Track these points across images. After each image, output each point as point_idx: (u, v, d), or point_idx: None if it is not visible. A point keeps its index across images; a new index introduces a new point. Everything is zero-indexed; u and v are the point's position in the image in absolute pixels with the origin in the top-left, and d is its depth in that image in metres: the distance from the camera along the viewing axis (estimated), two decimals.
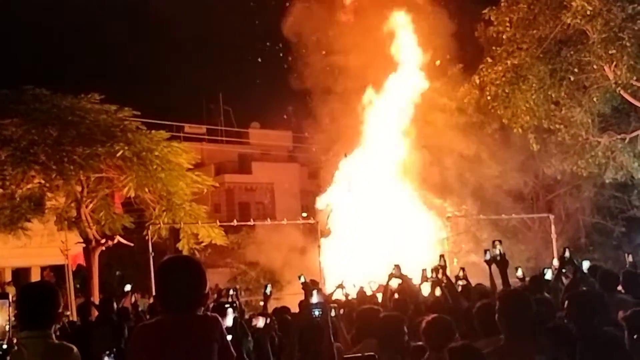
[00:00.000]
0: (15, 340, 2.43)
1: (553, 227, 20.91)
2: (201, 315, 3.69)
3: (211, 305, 10.87)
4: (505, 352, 4.85)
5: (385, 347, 5.26)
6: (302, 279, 6.87)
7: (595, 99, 19.29)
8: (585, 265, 9.28)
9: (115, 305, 9.66)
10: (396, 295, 8.62)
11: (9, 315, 2.40)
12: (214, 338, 3.62)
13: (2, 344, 2.36)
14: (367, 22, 21.67)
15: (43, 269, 24.40)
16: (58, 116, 17.11)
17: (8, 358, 2.40)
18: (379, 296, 9.69)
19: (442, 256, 9.19)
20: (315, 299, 4.56)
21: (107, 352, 3.85)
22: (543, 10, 18.35)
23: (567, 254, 8.46)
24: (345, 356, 2.12)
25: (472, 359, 4.15)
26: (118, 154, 17.03)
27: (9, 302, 2.40)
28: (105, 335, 7.04)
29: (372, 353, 2.14)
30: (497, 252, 6.42)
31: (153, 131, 18.52)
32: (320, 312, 4.55)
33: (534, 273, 11.70)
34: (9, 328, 2.38)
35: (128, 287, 10.71)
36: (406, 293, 8.54)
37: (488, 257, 6.85)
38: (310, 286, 7.73)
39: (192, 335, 3.61)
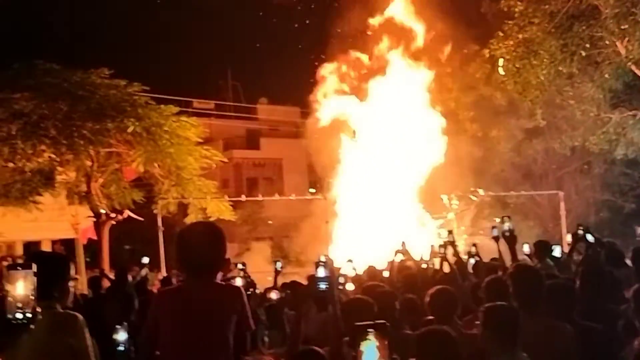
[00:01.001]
0: (40, 310, 2.51)
1: (562, 204, 20.88)
2: (224, 284, 3.73)
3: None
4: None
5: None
6: (323, 258, 6.89)
7: (607, 75, 19.14)
8: (589, 238, 9.26)
9: (130, 277, 9.75)
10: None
11: (33, 285, 2.47)
12: (234, 308, 3.66)
13: (26, 313, 2.43)
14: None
15: (54, 242, 24.56)
16: (68, 91, 17.12)
17: (32, 327, 2.49)
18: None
19: (450, 232, 9.20)
20: (321, 273, 4.59)
21: (120, 326, 3.88)
22: None
23: (580, 230, 8.44)
24: (356, 323, 2.14)
25: (442, 342, 4.18)
26: (128, 130, 17.05)
27: (34, 273, 2.47)
28: (116, 307, 7.11)
29: (383, 321, 2.16)
30: (506, 227, 6.40)
31: (162, 106, 18.51)
32: (327, 286, 4.60)
33: None
34: (34, 298, 2.46)
35: (146, 260, 10.80)
36: (410, 269, 8.57)
37: (495, 233, 6.84)
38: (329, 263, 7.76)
39: (213, 303, 3.64)
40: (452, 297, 5.44)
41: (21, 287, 2.47)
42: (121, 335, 3.85)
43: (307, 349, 4.17)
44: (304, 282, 8.49)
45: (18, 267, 2.50)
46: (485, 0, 21.11)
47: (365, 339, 2.13)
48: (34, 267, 2.49)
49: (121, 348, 3.84)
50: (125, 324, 3.94)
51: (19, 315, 2.45)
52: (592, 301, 5.25)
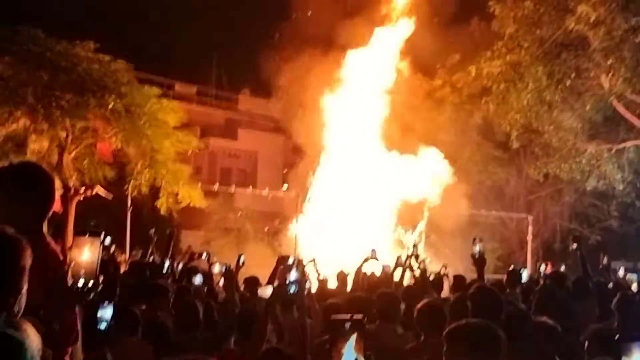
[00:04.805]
0: (101, 279, 2.44)
1: (530, 228, 21.06)
2: None
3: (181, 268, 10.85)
4: None
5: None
6: (291, 260, 6.87)
7: (588, 106, 19.39)
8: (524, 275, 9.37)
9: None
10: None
11: (99, 254, 2.39)
12: None
13: (89, 280, 2.35)
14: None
15: None
16: (50, 60, 16.87)
17: (92, 295, 2.41)
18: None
19: (415, 245, 9.24)
20: (292, 276, 4.57)
21: (107, 301, 3.63)
22: (548, 10, 18.32)
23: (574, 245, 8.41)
24: (332, 317, 2.17)
25: (436, 314, 4.21)
26: (109, 106, 16.88)
27: (101, 240, 2.39)
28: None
29: (360, 316, 2.18)
30: (477, 249, 6.44)
31: (145, 86, 18.37)
32: (297, 289, 4.58)
33: (503, 272, 11.83)
34: (97, 266, 2.38)
35: (108, 241, 10.62)
36: (382, 279, 8.62)
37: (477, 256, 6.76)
38: (286, 262, 7.75)
39: None
40: (441, 310, 5.43)
41: (87, 254, 2.38)
42: (107, 312, 3.43)
43: (271, 348, 4.15)
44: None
45: (86, 233, 2.42)
46: (474, 19, 21.23)
47: (345, 338, 2.15)
48: (102, 235, 2.41)
49: (103, 326, 3.47)
50: (112, 300, 3.69)
51: (81, 283, 2.37)
52: None
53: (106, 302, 3.46)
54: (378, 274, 9.47)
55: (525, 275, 9.45)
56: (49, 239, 2.92)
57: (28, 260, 2.23)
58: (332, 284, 9.95)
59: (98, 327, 3.51)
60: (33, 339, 2.12)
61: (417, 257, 8.78)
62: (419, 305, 5.45)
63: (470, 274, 8.54)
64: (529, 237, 21.01)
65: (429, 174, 21.82)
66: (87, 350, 3.91)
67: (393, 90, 22.06)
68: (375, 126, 21.49)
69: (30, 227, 2.72)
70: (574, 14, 17.25)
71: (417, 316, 5.38)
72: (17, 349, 2.03)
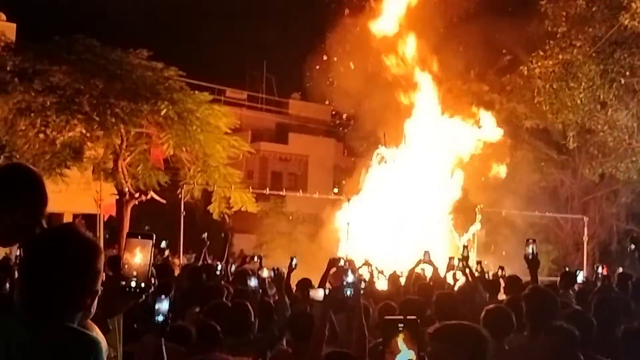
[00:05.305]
0: (154, 281, 2.52)
1: (586, 229, 20.63)
2: None
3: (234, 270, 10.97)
4: (527, 348, 4.88)
5: None
6: (342, 262, 6.88)
7: None
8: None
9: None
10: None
11: (151, 256, 2.48)
12: None
13: (141, 282, 2.44)
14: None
15: (75, 216, 24.81)
16: (106, 68, 17.31)
17: (144, 296, 2.51)
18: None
19: (465, 247, 9.17)
20: (349, 278, 4.59)
21: (164, 295, 3.63)
22: (601, 8, 18.03)
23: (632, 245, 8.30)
24: (386, 317, 2.21)
25: (504, 318, 4.17)
26: (162, 113, 17.21)
27: (153, 243, 2.48)
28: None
29: (414, 317, 2.20)
30: (530, 251, 6.37)
31: (197, 92, 18.66)
32: (353, 292, 4.60)
33: (558, 275, 11.65)
34: (149, 268, 2.48)
35: (163, 244, 10.83)
36: (434, 280, 8.59)
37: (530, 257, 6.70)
38: (337, 264, 7.81)
39: None
40: (509, 315, 5.31)
41: (139, 256, 2.47)
42: (163, 305, 3.60)
43: (337, 352, 4.17)
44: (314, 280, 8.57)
45: (138, 236, 2.50)
46: (534, 20, 20.85)
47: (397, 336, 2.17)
48: (154, 238, 2.49)
49: (160, 318, 3.60)
50: (170, 295, 3.66)
51: (133, 284, 2.46)
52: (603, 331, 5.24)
53: (163, 296, 3.54)
54: (429, 275, 9.44)
55: (580, 277, 9.32)
56: None
57: (102, 264, 2.35)
58: (382, 286, 9.96)
59: (155, 319, 3.59)
60: (102, 338, 2.32)
61: (466, 259, 8.70)
62: (487, 307, 5.40)
63: (525, 277, 8.43)
64: (585, 239, 20.53)
65: (482, 174, 21.63)
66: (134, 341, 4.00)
67: (445, 93, 21.88)
68: (426, 127, 21.33)
69: (21, 227, 2.89)
70: (627, 11, 16.90)
71: (484, 318, 5.32)
72: (95, 348, 2.22)
